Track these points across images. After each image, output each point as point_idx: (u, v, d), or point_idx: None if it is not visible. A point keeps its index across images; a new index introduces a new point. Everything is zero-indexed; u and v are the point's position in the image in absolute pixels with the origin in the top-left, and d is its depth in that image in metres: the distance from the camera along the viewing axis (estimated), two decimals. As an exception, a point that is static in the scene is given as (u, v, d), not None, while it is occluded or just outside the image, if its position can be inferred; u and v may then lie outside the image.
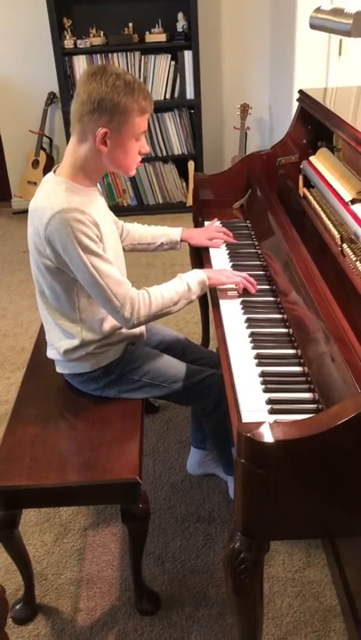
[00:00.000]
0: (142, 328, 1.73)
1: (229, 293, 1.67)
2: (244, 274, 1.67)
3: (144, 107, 1.44)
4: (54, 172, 1.52)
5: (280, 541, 1.77)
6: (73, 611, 1.64)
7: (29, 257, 1.55)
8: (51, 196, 1.44)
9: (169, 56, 4.00)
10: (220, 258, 1.89)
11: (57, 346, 1.60)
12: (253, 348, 1.43)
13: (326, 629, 1.55)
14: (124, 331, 1.62)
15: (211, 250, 1.93)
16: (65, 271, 1.47)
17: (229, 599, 1.20)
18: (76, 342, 1.56)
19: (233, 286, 1.67)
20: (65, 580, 1.73)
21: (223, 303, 1.64)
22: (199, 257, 2.15)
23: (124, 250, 1.75)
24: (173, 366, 1.67)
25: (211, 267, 1.84)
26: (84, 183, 1.50)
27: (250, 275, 1.68)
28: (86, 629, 1.59)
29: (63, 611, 1.64)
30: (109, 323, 1.58)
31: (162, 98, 4.12)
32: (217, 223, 2.07)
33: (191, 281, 1.59)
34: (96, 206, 1.52)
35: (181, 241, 1.92)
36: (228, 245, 1.95)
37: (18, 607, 1.63)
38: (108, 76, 1.39)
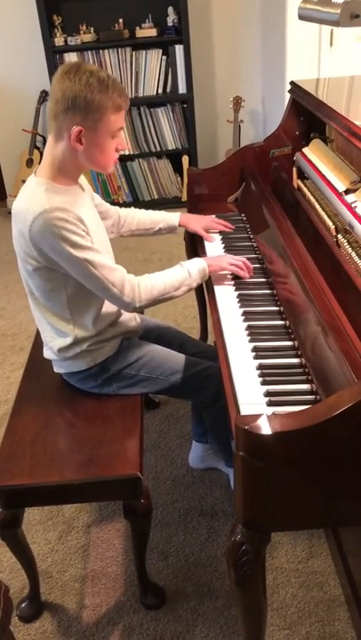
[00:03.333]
0: (138, 322, 1.74)
1: (226, 285, 1.68)
2: (243, 257, 1.69)
3: (119, 104, 1.43)
4: (35, 173, 1.52)
5: (283, 533, 1.77)
6: (78, 607, 1.65)
7: (17, 259, 1.55)
8: (32, 198, 1.44)
9: (160, 51, 3.99)
10: (215, 251, 1.89)
11: (51, 345, 1.61)
12: (250, 340, 1.43)
13: (331, 619, 1.56)
14: (118, 325, 1.63)
15: (206, 243, 1.93)
16: (54, 270, 1.48)
17: (233, 591, 1.21)
18: (69, 340, 1.57)
19: (230, 279, 1.68)
20: (70, 577, 1.73)
21: (220, 297, 1.64)
22: (195, 251, 2.15)
23: (122, 236, 1.76)
24: (170, 359, 1.68)
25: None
26: (64, 182, 1.50)
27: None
28: (92, 625, 1.60)
29: (69, 607, 1.65)
30: (101, 319, 1.59)
31: (154, 93, 4.11)
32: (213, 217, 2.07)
33: (192, 268, 1.62)
34: (79, 204, 1.52)
35: (179, 225, 1.94)
36: (224, 238, 1.95)
37: (23, 605, 1.64)
38: (81, 74, 1.39)
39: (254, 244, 1.90)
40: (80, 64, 1.42)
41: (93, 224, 1.56)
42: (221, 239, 1.95)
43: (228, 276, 1.71)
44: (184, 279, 1.60)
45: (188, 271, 1.60)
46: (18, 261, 1.55)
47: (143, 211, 1.92)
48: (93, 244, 1.48)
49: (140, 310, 1.66)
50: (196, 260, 1.66)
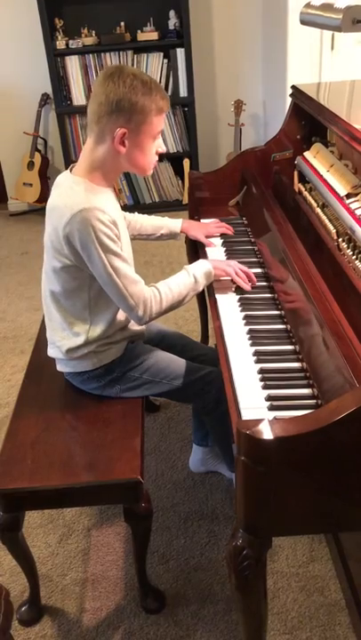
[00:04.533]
0: (143, 327, 1.74)
1: (227, 290, 1.68)
2: (246, 269, 1.69)
3: (161, 106, 1.46)
4: (70, 171, 1.53)
5: (283, 537, 1.77)
6: (79, 611, 1.65)
7: (44, 255, 1.57)
8: (70, 196, 1.45)
9: (161, 54, 4.00)
10: (216, 255, 1.89)
11: (59, 344, 1.61)
12: (252, 345, 1.43)
13: (332, 623, 1.56)
14: (126, 329, 1.65)
15: (206, 247, 1.94)
16: (81, 269, 1.49)
17: (233, 596, 1.21)
18: (80, 341, 1.57)
19: (231, 283, 1.68)
20: (70, 580, 1.73)
21: (221, 301, 1.64)
22: (196, 254, 2.15)
23: None
24: (173, 363, 1.68)
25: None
26: (101, 184, 1.51)
27: None
28: (92, 629, 1.60)
29: (69, 611, 1.65)
30: (115, 322, 1.60)
31: (155, 96, 4.11)
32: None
33: (198, 273, 1.62)
34: (113, 206, 1.53)
35: (181, 232, 1.94)
36: (225, 242, 1.96)
37: (24, 609, 1.63)
38: (125, 77, 1.40)
39: (255, 248, 1.90)
40: (123, 67, 1.44)
41: (123, 230, 1.58)
42: (223, 243, 1.96)
43: (230, 280, 1.72)
44: (191, 286, 1.60)
45: (195, 276, 1.61)
46: (45, 258, 1.57)
47: (146, 216, 1.93)
48: (122, 249, 1.49)
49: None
50: (201, 262, 1.67)
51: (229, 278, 1.68)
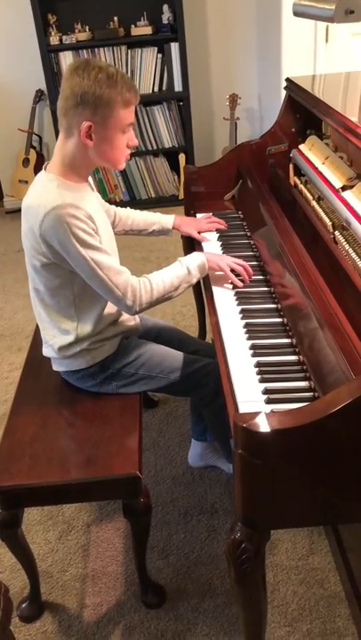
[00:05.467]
0: (137, 321, 1.74)
1: (224, 284, 1.67)
2: (241, 261, 1.67)
3: (128, 98, 1.44)
4: (44, 168, 1.52)
5: (283, 530, 1.77)
6: (79, 607, 1.65)
7: (24, 255, 1.55)
8: (43, 194, 1.44)
9: (155, 49, 3.98)
10: (212, 250, 1.89)
11: (51, 343, 1.60)
12: (248, 338, 1.43)
13: (332, 615, 1.56)
14: (118, 324, 1.63)
15: (202, 242, 1.93)
16: (61, 266, 1.48)
17: (233, 589, 1.21)
18: (70, 338, 1.56)
19: (227, 276, 1.67)
20: (70, 576, 1.73)
21: (218, 295, 1.64)
22: (192, 249, 2.14)
23: (116, 235, 1.75)
24: (169, 357, 1.68)
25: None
26: (74, 179, 1.50)
27: None
28: (93, 625, 1.60)
29: (69, 607, 1.65)
30: (104, 318, 1.59)
31: (150, 91, 4.10)
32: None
33: (191, 264, 1.60)
34: (88, 201, 1.52)
35: (173, 228, 1.93)
36: (221, 237, 1.95)
37: (24, 605, 1.63)
38: (90, 70, 1.39)
39: (251, 242, 1.90)
40: (89, 60, 1.43)
41: (101, 222, 1.56)
42: (218, 237, 1.95)
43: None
44: (183, 277, 1.59)
45: (188, 268, 1.60)
46: (25, 258, 1.55)
47: (139, 212, 1.92)
48: (102, 243, 1.48)
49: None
50: (195, 254, 1.66)
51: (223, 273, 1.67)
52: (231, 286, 1.66)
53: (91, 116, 1.41)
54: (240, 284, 1.64)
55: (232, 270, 1.66)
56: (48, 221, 1.40)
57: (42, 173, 1.52)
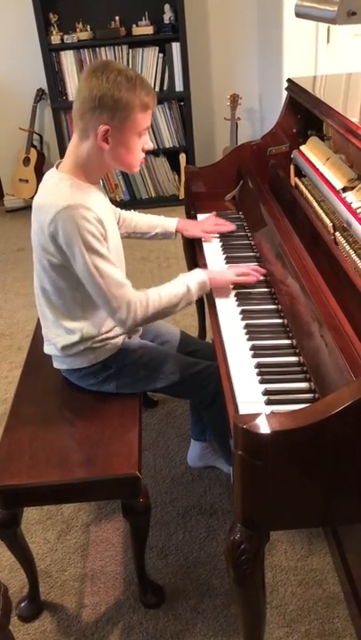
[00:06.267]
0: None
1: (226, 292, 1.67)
2: (247, 266, 1.64)
3: (146, 102, 1.42)
4: (56, 167, 1.51)
5: (281, 531, 1.77)
6: (78, 606, 1.65)
7: (32, 254, 1.55)
8: (55, 193, 1.44)
9: (157, 49, 3.98)
10: (213, 250, 1.89)
11: (55, 341, 1.60)
12: (249, 339, 1.43)
13: (330, 616, 1.56)
14: None
15: (204, 243, 1.93)
16: (69, 269, 1.47)
17: (232, 590, 1.21)
18: (75, 338, 1.56)
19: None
20: (69, 576, 1.73)
21: (218, 296, 1.63)
22: (193, 250, 2.15)
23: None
24: (170, 358, 1.68)
25: (204, 259, 1.84)
26: (87, 180, 1.49)
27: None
28: (92, 624, 1.60)
29: (68, 607, 1.65)
30: (111, 320, 1.58)
31: (151, 91, 4.10)
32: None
33: (191, 282, 1.56)
34: (99, 203, 1.51)
35: (176, 232, 1.92)
36: (222, 237, 1.95)
37: (23, 605, 1.63)
38: (109, 73, 1.38)
39: (252, 243, 1.90)
40: (108, 62, 1.41)
41: (110, 225, 1.55)
42: (219, 238, 1.95)
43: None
44: (183, 295, 1.54)
45: (188, 286, 1.55)
46: (34, 257, 1.54)
47: (142, 214, 1.92)
48: (109, 247, 1.47)
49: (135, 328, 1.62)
50: (197, 272, 1.61)
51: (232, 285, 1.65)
52: (231, 285, 1.66)
53: (108, 119, 1.40)
54: (253, 278, 1.62)
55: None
56: (59, 220, 1.39)
57: (53, 172, 1.50)
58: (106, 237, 1.47)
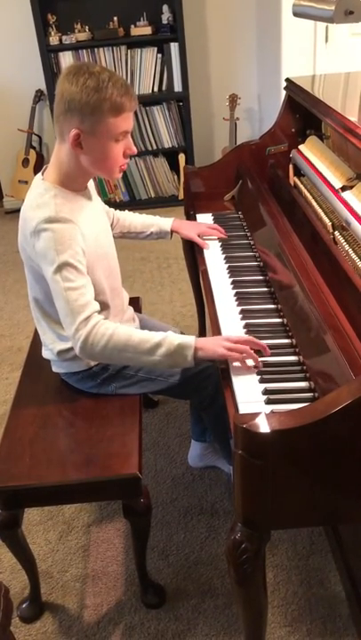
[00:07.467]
0: (137, 323, 1.74)
1: (223, 283, 1.67)
2: (244, 336, 1.40)
3: (118, 105, 1.36)
4: (42, 173, 1.50)
5: (283, 530, 1.77)
6: (79, 607, 1.65)
7: (23, 262, 1.55)
8: (40, 205, 1.42)
9: (155, 49, 3.98)
10: (212, 251, 1.89)
11: (51, 347, 1.60)
12: (249, 339, 1.43)
13: (332, 615, 1.56)
14: None
15: (204, 249, 1.92)
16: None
17: (233, 590, 1.21)
18: (69, 344, 1.56)
19: (226, 277, 1.66)
20: (70, 577, 1.73)
21: (217, 295, 1.64)
22: (192, 250, 2.15)
23: (113, 237, 1.74)
24: None
25: (203, 260, 1.84)
26: (72, 188, 1.48)
27: (244, 271, 1.66)
28: (93, 625, 1.60)
29: (70, 608, 1.65)
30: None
31: (150, 91, 4.11)
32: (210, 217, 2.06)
33: (172, 337, 1.40)
34: (85, 213, 1.49)
35: (172, 232, 1.92)
36: (221, 238, 1.95)
37: (24, 606, 1.63)
38: (80, 76, 1.35)
39: (251, 242, 1.90)
40: (82, 65, 1.38)
41: (99, 234, 1.54)
42: (219, 239, 1.94)
43: (225, 274, 1.71)
44: (156, 343, 1.39)
45: (167, 338, 1.39)
46: (24, 266, 1.54)
47: (137, 214, 1.91)
48: (93, 254, 1.45)
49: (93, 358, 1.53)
50: (186, 336, 1.43)
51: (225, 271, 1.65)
52: (231, 285, 1.66)
53: (78, 123, 1.37)
54: (251, 363, 1.33)
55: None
56: (41, 232, 1.39)
57: (39, 180, 1.48)
58: (84, 252, 1.43)
